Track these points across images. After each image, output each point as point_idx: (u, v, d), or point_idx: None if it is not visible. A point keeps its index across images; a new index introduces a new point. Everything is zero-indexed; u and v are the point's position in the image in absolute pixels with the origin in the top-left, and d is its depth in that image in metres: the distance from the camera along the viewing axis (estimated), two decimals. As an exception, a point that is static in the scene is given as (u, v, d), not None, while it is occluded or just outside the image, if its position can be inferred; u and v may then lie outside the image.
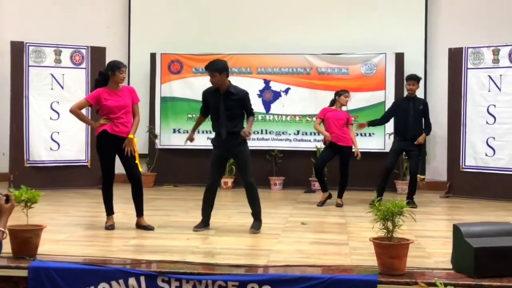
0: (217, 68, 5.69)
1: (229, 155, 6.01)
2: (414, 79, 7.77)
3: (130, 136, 5.75)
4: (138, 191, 5.87)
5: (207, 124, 10.23)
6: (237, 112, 5.81)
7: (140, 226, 5.83)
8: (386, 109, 9.35)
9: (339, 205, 7.64)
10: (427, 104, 7.97)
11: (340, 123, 7.64)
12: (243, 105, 5.85)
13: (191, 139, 6.01)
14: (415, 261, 4.43)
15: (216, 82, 5.73)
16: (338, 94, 7.82)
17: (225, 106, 5.73)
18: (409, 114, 7.68)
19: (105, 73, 5.81)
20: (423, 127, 7.79)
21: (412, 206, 7.30)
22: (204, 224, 5.86)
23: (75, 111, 5.85)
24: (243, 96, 5.84)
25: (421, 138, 7.68)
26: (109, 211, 5.89)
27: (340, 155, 7.67)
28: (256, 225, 5.81)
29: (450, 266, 4.33)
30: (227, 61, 5.97)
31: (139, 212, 5.89)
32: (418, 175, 8.00)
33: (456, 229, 4.31)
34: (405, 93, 9.52)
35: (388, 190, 8.28)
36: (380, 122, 8.12)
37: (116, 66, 5.75)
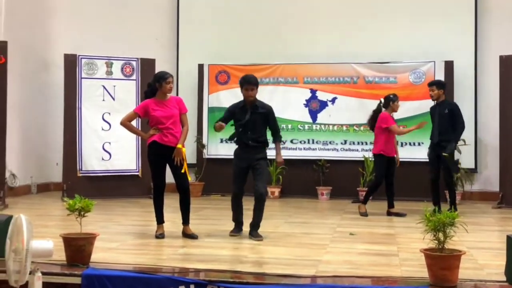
0: (257, 82, 5.98)
1: (250, 166, 6.02)
2: (433, 84, 7.68)
3: (179, 146, 5.83)
4: (185, 200, 5.96)
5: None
6: (262, 125, 6.02)
7: (186, 234, 5.91)
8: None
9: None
10: (455, 106, 7.69)
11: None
12: (269, 120, 6.04)
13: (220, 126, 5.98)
14: (467, 272, 4.33)
15: (254, 95, 5.95)
16: (391, 99, 7.69)
17: (251, 118, 5.93)
18: (435, 120, 7.59)
19: (152, 85, 5.93)
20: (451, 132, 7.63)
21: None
22: (239, 227, 6.08)
23: (125, 123, 6.02)
24: (269, 111, 6.05)
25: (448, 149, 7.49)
26: (160, 219, 5.99)
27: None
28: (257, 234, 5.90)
29: (504, 278, 4.21)
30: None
31: (186, 220, 5.98)
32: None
33: (510, 240, 4.20)
34: (455, 101, 9.41)
35: (430, 200, 8.13)
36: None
37: (162, 77, 5.85)
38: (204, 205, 8.70)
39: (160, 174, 5.90)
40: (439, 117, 7.56)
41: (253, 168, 5.99)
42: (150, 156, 5.91)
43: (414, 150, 9.27)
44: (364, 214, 7.59)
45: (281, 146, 9.70)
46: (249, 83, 5.91)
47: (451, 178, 7.66)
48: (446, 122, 7.52)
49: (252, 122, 5.94)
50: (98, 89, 9.27)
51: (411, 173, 8.97)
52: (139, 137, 9.37)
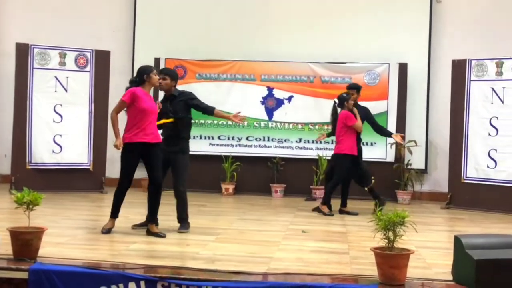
0: (170, 72, 6.09)
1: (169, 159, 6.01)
2: (353, 88, 7.83)
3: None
4: (157, 197, 5.82)
5: (210, 131, 10.27)
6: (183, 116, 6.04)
7: (152, 233, 5.75)
8: (388, 118, 9.42)
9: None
10: (368, 110, 7.94)
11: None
12: (193, 105, 6.08)
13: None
14: (415, 271, 4.42)
15: (166, 85, 5.98)
16: (345, 99, 7.60)
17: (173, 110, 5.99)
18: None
19: (138, 79, 5.69)
20: (379, 132, 7.94)
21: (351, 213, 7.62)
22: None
23: (114, 118, 5.66)
24: (188, 97, 6.09)
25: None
26: (116, 214, 5.85)
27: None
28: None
29: (451, 278, 4.32)
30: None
31: (154, 218, 5.85)
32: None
33: (457, 241, 4.30)
34: (408, 104, 9.59)
35: (389, 200, 8.28)
36: (332, 133, 8.04)
37: (149, 69, 5.72)
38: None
39: (132, 173, 5.78)
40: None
41: (172, 162, 6.00)
42: (128, 153, 5.69)
43: (367, 149, 9.38)
44: (330, 214, 7.60)
45: (237, 142, 9.83)
46: (160, 71, 5.98)
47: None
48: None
49: (174, 113, 5.97)
50: (50, 80, 9.06)
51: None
52: (92, 130, 9.24)
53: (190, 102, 6.08)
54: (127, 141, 5.65)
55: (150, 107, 5.65)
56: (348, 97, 7.64)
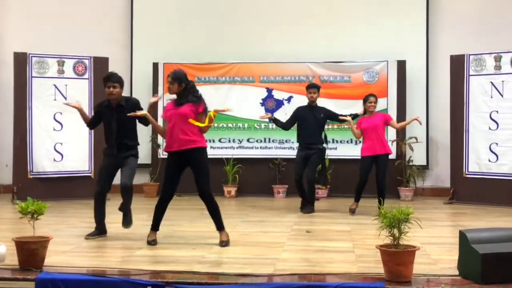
0: (119, 79, 5.84)
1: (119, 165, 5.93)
2: (315, 87, 7.81)
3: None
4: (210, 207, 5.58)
5: (209, 134, 10.28)
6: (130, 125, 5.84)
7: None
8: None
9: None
10: (329, 110, 7.94)
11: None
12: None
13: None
14: (421, 268, 4.43)
15: (116, 94, 5.79)
16: (363, 102, 7.72)
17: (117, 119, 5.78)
18: (306, 122, 7.66)
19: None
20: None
21: (306, 212, 7.58)
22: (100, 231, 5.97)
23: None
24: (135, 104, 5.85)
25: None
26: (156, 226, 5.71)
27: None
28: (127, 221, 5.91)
29: (457, 273, 4.34)
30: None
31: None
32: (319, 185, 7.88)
33: (462, 236, 4.32)
34: (408, 100, 9.61)
35: (391, 197, 8.30)
36: (283, 125, 7.98)
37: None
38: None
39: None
40: (314, 120, 7.64)
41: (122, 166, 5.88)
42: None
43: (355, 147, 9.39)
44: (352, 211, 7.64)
45: (238, 144, 9.84)
46: (108, 78, 5.79)
47: (313, 175, 7.75)
48: (320, 126, 7.70)
49: (119, 123, 5.75)
50: (49, 89, 9.07)
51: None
52: (92, 138, 9.23)
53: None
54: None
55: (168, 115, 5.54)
56: (365, 99, 7.68)
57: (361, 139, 7.80)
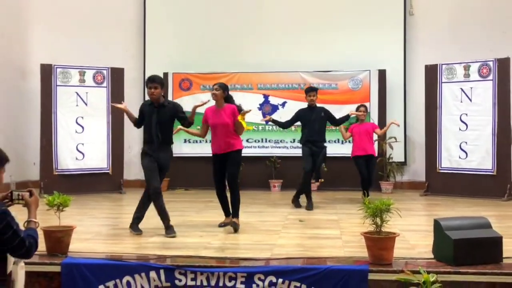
0: (161, 81, 5.66)
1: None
2: (313, 90, 7.65)
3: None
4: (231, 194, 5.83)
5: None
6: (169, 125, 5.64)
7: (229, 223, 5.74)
8: (370, 118, 9.44)
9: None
10: (327, 109, 7.77)
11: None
12: (176, 116, 5.63)
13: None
14: (401, 252, 4.46)
15: (158, 94, 5.56)
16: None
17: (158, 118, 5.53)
18: (311, 122, 7.53)
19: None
20: (338, 123, 7.80)
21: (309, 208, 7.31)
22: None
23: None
24: (174, 107, 5.68)
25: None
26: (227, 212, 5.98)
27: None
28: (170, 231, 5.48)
29: (432, 256, 4.36)
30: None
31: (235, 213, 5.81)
32: (320, 180, 7.86)
33: (436, 223, 4.34)
34: (387, 106, 9.60)
35: (374, 190, 8.32)
36: (282, 125, 7.88)
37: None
38: (170, 198, 8.58)
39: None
40: (318, 119, 7.52)
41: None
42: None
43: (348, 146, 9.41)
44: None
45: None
46: (151, 81, 5.56)
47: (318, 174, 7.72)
48: (323, 125, 7.62)
49: (159, 122, 5.52)
50: (72, 96, 9.06)
51: (352, 166, 9.11)
52: (110, 139, 9.23)
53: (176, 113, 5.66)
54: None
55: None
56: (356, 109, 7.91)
57: (349, 140, 8.02)
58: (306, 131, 7.61)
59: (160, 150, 5.51)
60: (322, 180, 7.96)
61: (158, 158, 5.50)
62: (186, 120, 5.63)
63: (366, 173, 7.75)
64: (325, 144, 7.66)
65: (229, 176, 5.80)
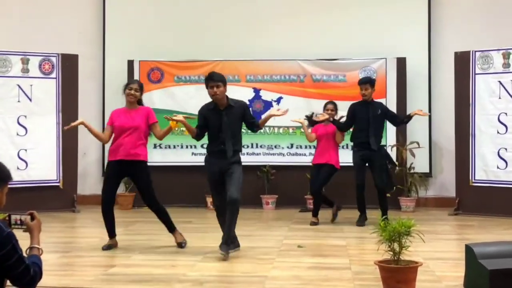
0: (223, 78, 5.89)
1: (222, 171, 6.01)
2: (366, 82, 7.82)
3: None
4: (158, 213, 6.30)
5: (192, 139, 10.24)
6: (238, 128, 6.04)
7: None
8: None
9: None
10: (385, 106, 8.08)
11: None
12: (245, 116, 6.00)
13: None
14: (424, 285, 4.46)
15: (221, 93, 5.83)
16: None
17: (228, 122, 5.87)
18: (367, 121, 7.69)
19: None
20: (397, 124, 8.04)
21: (360, 224, 7.67)
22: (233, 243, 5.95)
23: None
24: (243, 106, 6.04)
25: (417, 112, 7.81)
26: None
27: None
28: (225, 248, 5.72)
29: (463, 291, 4.36)
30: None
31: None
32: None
33: (468, 250, 4.35)
34: (408, 101, 9.67)
35: (391, 208, 8.34)
36: (342, 127, 7.97)
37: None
38: (136, 218, 8.59)
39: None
40: (373, 118, 7.69)
41: (225, 173, 5.94)
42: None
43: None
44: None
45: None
46: (211, 78, 5.82)
47: (384, 183, 7.75)
48: (381, 124, 7.80)
49: (228, 125, 5.87)
50: (12, 89, 9.01)
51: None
52: (60, 143, 9.19)
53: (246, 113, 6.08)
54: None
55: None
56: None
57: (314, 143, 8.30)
58: (358, 131, 7.76)
59: (228, 158, 5.89)
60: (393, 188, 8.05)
61: (223, 165, 5.89)
62: (255, 125, 6.08)
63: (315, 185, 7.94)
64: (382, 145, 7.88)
65: (148, 195, 6.19)
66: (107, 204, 6.17)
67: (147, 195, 6.17)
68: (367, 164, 7.78)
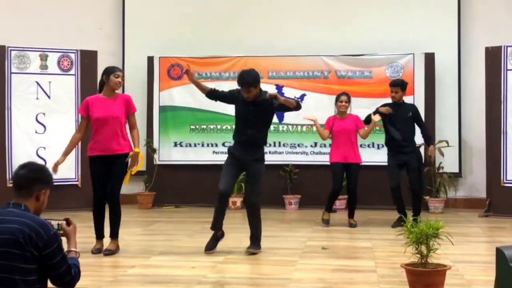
0: (253, 81, 5.91)
1: (244, 167, 6.14)
2: (397, 85, 7.79)
3: (137, 150, 5.95)
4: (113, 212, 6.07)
5: (213, 137, 10.28)
6: (265, 121, 6.11)
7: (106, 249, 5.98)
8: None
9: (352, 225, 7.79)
10: (417, 108, 8.02)
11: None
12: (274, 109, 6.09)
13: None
14: (453, 290, 4.43)
15: (253, 97, 5.92)
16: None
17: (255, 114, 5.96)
18: (396, 123, 7.69)
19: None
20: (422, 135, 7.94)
21: (395, 225, 7.54)
22: (215, 239, 6.02)
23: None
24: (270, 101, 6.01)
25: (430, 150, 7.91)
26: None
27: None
28: (254, 246, 5.98)
29: (494, 296, 4.32)
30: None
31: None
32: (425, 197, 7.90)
33: (499, 253, 4.29)
34: (437, 98, 9.59)
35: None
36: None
37: (110, 70, 6.02)
38: (156, 218, 8.66)
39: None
40: (403, 120, 7.69)
41: (246, 169, 6.11)
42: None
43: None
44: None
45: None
46: (242, 84, 5.91)
47: (418, 185, 7.74)
48: (410, 126, 7.77)
49: (253, 116, 5.93)
50: (30, 86, 9.12)
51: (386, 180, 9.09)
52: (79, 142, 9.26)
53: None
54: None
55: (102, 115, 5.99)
56: (336, 98, 7.98)
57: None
58: (389, 133, 7.80)
59: (249, 153, 6.06)
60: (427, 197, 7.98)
61: (243, 160, 6.04)
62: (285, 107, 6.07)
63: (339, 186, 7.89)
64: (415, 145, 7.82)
65: (115, 186, 5.97)
66: (99, 204, 6.05)
67: (114, 186, 5.98)
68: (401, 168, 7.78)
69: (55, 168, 5.92)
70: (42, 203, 3.14)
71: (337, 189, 7.86)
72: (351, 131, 7.79)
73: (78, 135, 6.22)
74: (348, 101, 7.87)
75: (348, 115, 7.87)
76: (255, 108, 5.93)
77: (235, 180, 6.39)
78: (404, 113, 7.73)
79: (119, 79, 5.98)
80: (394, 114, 7.70)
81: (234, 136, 6.17)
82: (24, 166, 3.14)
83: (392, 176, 7.71)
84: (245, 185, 6.07)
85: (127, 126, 6.16)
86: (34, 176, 3.13)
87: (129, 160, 5.90)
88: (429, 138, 8.03)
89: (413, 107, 8.01)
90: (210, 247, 5.95)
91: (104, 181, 5.95)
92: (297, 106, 5.97)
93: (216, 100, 6.31)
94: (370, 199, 9.15)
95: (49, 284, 3.04)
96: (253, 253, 5.90)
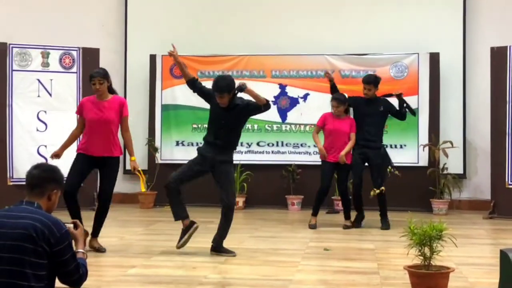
0: (227, 88, 5.91)
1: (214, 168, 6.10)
2: (370, 82, 7.76)
3: (133, 158, 6.13)
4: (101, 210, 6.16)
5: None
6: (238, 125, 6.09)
7: (93, 247, 6.00)
8: (419, 116, 9.38)
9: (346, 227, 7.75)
10: (389, 102, 7.91)
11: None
12: (250, 111, 6.06)
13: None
14: (456, 292, 4.42)
15: (225, 103, 5.93)
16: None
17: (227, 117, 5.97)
18: (366, 118, 7.71)
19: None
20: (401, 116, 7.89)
21: (384, 228, 7.64)
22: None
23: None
24: (246, 104, 6.04)
25: None
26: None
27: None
28: (222, 248, 5.97)
29: (497, 299, 4.31)
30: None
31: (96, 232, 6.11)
32: (382, 188, 7.79)
33: (503, 256, 4.28)
34: (441, 98, 9.58)
35: (422, 211, 8.27)
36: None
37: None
38: (157, 218, 8.65)
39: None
40: (373, 115, 7.70)
41: (215, 171, 6.04)
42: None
43: (396, 152, 9.36)
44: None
45: (246, 149, 9.85)
46: (215, 90, 5.93)
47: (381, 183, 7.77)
48: (381, 122, 7.82)
49: (226, 119, 5.95)
50: (32, 84, 9.13)
51: (394, 180, 9.08)
52: (80, 139, 9.26)
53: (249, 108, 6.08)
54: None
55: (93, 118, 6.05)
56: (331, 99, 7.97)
57: None
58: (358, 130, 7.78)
59: (218, 154, 6.07)
60: (382, 189, 7.93)
61: (211, 162, 6.09)
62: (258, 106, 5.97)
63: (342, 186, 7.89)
64: (382, 143, 7.84)
65: (105, 194, 6.11)
66: (71, 197, 6.01)
67: (107, 189, 6.09)
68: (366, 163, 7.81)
69: (53, 157, 6.13)
70: (53, 203, 3.20)
71: (324, 188, 7.77)
72: (344, 133, 7.74)
73: (75, 132, 6.32)
74: (340, 104, 7.74)
75: (345, 116, 7.83)
76: (228, 112, 5.94)
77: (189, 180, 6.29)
78: (376, 109, 7.71)
79: (96, 86, 5.98)
80: (366, 109, 7.70)
81: (205, 137, 6.17)
82: (37, 166, 3.23)
83: (355, 172, 7.73)
84: (218, 188, 6.02)
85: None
86: (48, 176, 3.20)
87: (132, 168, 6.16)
88: (410, 110, 7.92)
89: (384, 101, 7.86)
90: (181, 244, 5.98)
91: (81, 179, 6.12)
92: (266, 104, 5.90)
93: (194, 92, 6.30)
94: (372, 201, 9.11)
95: (58, 283, 3.07)
96: (219, 254, 5.89)
